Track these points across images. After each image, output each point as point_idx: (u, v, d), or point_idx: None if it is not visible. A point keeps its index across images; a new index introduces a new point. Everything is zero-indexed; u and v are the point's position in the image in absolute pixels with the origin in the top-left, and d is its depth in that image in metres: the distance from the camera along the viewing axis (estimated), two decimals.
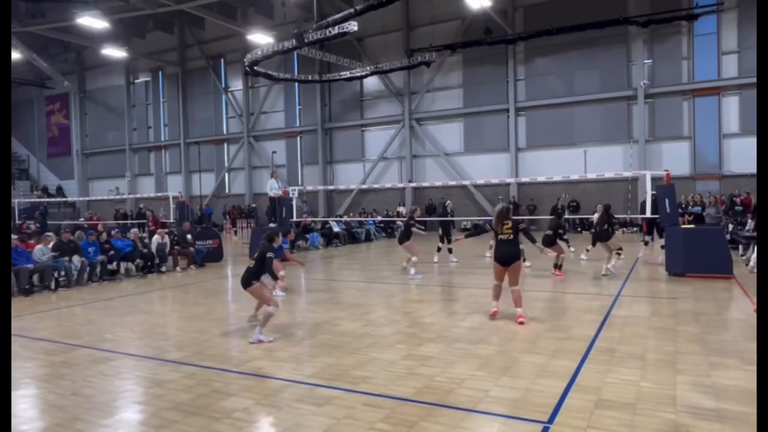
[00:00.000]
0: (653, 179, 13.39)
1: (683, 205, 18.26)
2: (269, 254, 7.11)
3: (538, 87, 25.54)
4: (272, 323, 7.24)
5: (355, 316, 8.22)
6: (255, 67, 24.25)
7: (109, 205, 34.65)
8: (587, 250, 14.19)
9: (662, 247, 12.45)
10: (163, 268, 14.03)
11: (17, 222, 23.34)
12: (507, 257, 7.47)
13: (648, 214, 13.42)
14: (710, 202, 18.47)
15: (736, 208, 18.70)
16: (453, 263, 14.13)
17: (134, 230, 15.11)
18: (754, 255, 9.79)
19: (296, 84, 30.72)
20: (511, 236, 7.48)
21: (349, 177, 30.09)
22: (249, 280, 7.06)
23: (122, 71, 37.19)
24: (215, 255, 16.21)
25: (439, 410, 4.47)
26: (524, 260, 12.72)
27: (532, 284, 10.94)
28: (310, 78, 27.96)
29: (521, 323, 7.24)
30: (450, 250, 14.57)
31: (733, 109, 22.21)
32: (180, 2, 24.47)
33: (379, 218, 25.90)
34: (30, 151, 42.15)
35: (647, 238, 17.95)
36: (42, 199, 33.81)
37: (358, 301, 9.61)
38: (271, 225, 16.02)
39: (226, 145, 34.48)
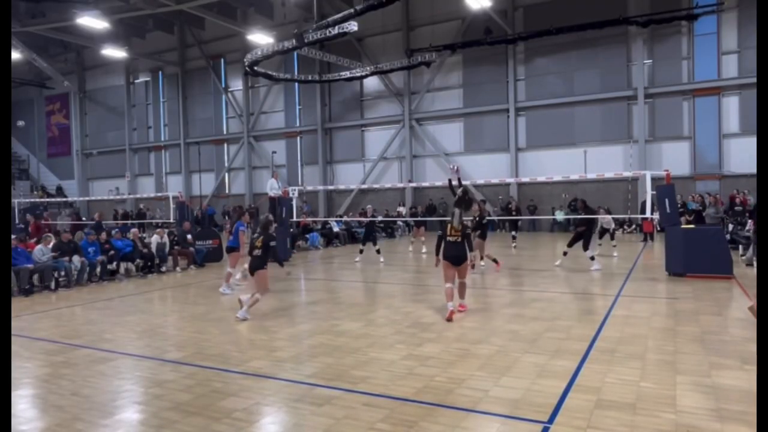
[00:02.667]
0: (653, 179, 13.39)
1: (680, 204, 18.27)
2: (272, 243, 8.18)
3: (538, 87, 25.52)
4: (272, 323, 7.57)
5: (354, 316, 8.22)
6: (255, 67, 24.24)
7: (109, 205, 34.63)
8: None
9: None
10: (163, 268, 14.03)
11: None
12: (455, 259, 7.77)
13: (648, 214, 13.42)
14: (710, 203, 18.45)
15: (736, 208, 18.67)
16: (381, 263, 14.62)
17: (134, 230, 15.12)
18: None
19: (296, 84, 30.71)
20: (459, 239, 7.81)
21: (349, 177, 30.08)
22: (261, 265, 8.06)
23: (122, 71, 37.20)
24: (215, 255, 16.20)
25: (439, 410, 4.47)
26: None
27: (532, 284, 10.95)
28: (310, 78, 27.95)
29: (461, 311, 8.01)
30: (378, 251, 15.07)
31: (733, 109, 22.20)
32: (180, 2, 24.46)
33: (379, 218, 25.87)
34: (30, 151, 42.14)
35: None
36: (42, 199, 33.77)
37: (358, 301, 9.61)
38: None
39: (226, 145, 34.48)
